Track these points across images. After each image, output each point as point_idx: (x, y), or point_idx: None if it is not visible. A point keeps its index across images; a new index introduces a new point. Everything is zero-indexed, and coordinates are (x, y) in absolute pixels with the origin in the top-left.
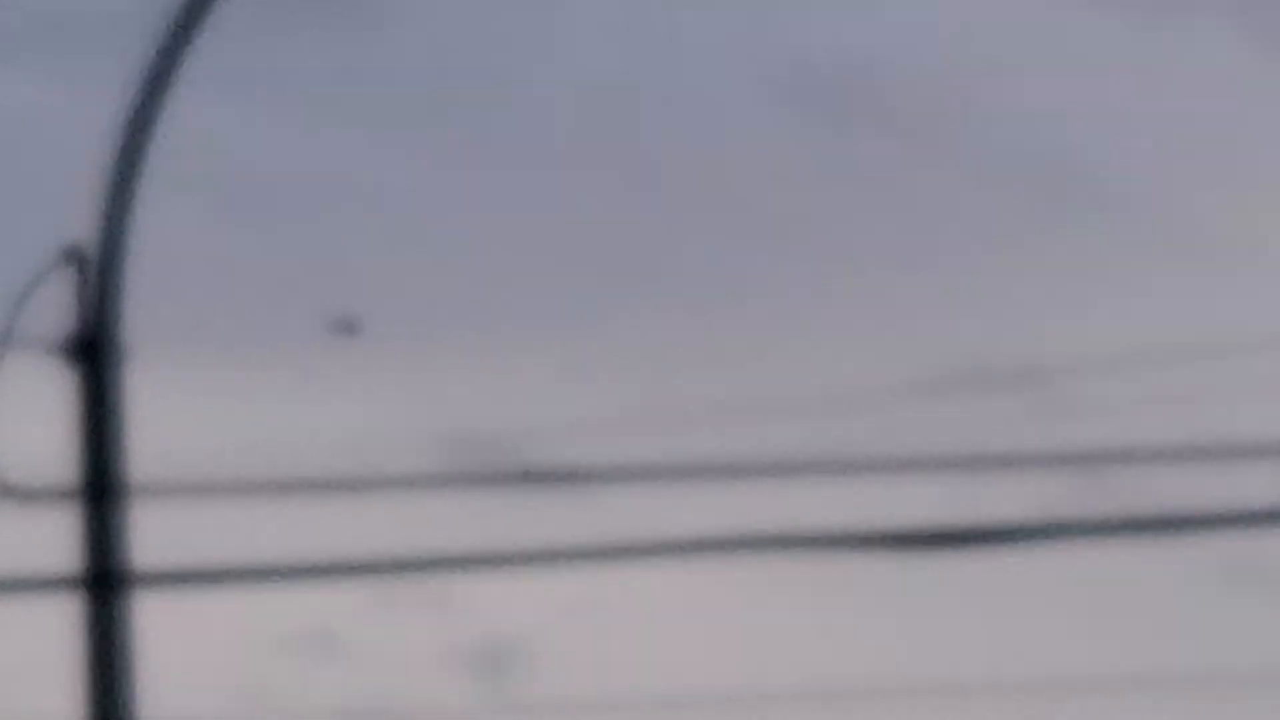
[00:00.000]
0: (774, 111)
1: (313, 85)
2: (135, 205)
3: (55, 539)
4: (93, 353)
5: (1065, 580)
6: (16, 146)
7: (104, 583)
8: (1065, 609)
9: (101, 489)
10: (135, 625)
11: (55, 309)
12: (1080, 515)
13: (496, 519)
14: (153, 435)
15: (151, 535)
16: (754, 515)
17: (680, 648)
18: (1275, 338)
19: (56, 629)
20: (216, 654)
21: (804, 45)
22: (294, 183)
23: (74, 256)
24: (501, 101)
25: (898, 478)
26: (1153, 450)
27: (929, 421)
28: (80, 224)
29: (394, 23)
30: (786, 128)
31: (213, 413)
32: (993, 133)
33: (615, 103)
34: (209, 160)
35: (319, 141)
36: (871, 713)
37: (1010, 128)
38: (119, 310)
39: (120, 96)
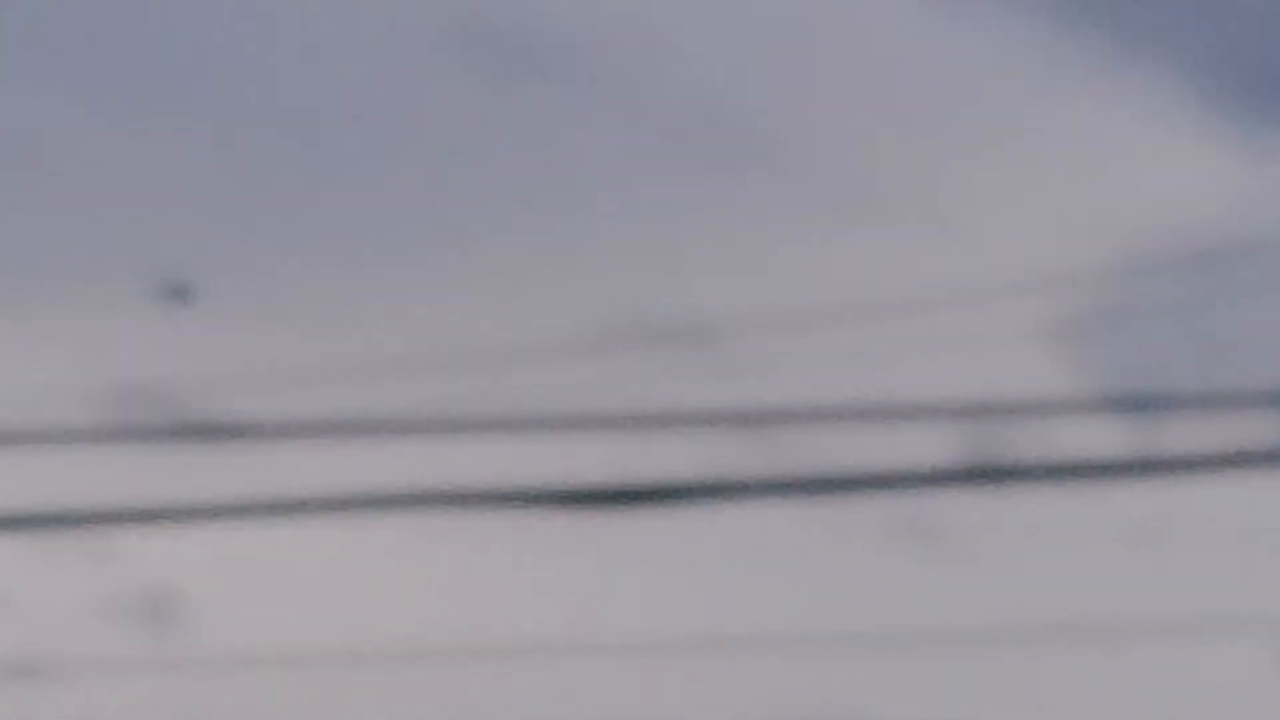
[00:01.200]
0: (440, 64)
1: None
2: None
3: None
4: None
5: (730, 541)
6: None
7: None
8: (730, 568)
9: None
10: None
11: None
12: (746, 474)
13: (158, 473)
14: None
15: None
16: (417, 472)
17: (340, 604)
18: (944, 296)
19: None
20: None
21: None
22: None
23: None
24: (170, 53)
25: (562, 435)
26: (819, 409)
27: (594, 378)
28: None
29: None
30: (452, 80)
31: None
32: (669, 90)
33: (279, 53)
34: None
35: None
36: (528, 669)
37: (687, 85)
38: None
39: None
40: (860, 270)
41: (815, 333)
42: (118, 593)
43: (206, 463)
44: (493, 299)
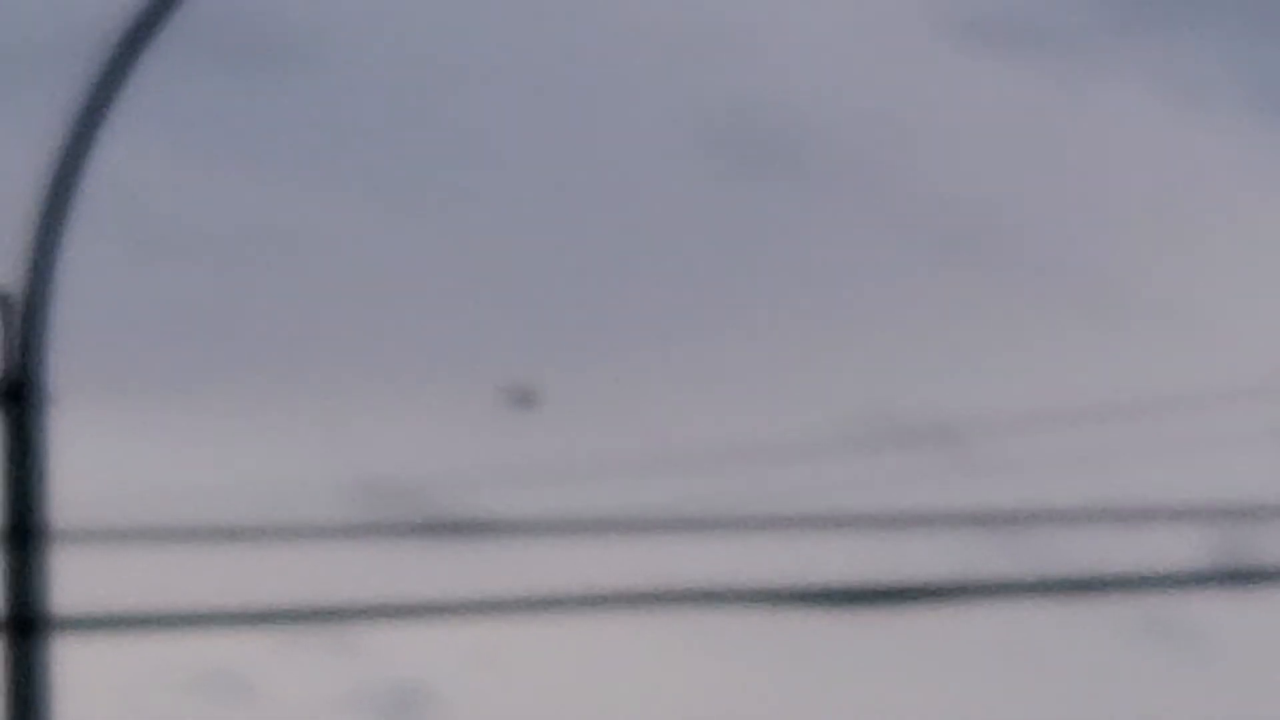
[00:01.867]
0: (688, 159)
1: (235, 132)
2: (61, 249)
3: None
4: (18, 396)
5: (980, 639)
6: None
7: (26, 627)
8: (981, 668)
9: (25, 533)
10: (55, 669)
11: None
12: (994, 574)
13: (405, 568)
14: (74, 479)
15: (73, 580)
16: (667, 570)
17: (589, 701)
18: (1186, 399)
19: None
20: (134, 696)
21: (715, 92)
22: (216, 229)
23: None
24: (422, 143)
25: (813, 534)
26: (1068, 510)
27: (843, 477)
28: (6, 267)
29: (313, 67)
30: (700, 176)
31: (133, 457)
32: (911, 186)
33: (538, 144)
34: (133, 206)
35: (241, 188)
36: None
37: (928, 181)
38: (44, 354)
39: (47, 140)
40: (1108, 370)
41: (1063, 432)
42: (366, 686)
43: (457, 559)
44: (743, 397)
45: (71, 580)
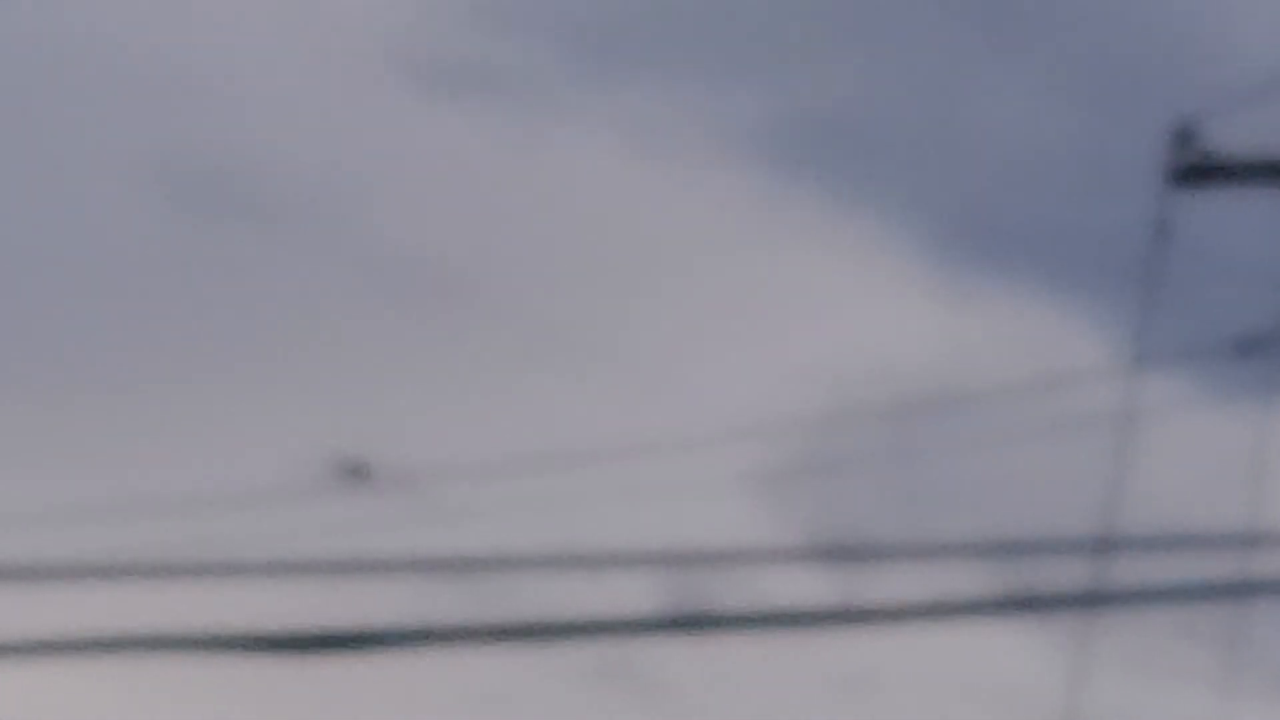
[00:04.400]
0: (143, 204)
1: None
2: None
3: None
4: None
5: (439, 684)
6: None
7: None
8: (441, 713)
9: None
10: None
11: None
12: (452, 619)
13: None
14: None
15: None
16: (121, 615)
17: None
18: (644, 445)
19: None
20: None
21: (178, 140)
22: None
23: None
24: None
25: (266, 580)
26: (523, 556)
27: (303, 523)
28: None
29: None
30: (164, 225)
31: None
32: (372, 234)
33: None
34: None
35: None
36: None
37: (389, 229)
38: None
39: None
40: (566, 416)
41: (520, 478)
42: None
43: None
44: (201, 443)
45: None
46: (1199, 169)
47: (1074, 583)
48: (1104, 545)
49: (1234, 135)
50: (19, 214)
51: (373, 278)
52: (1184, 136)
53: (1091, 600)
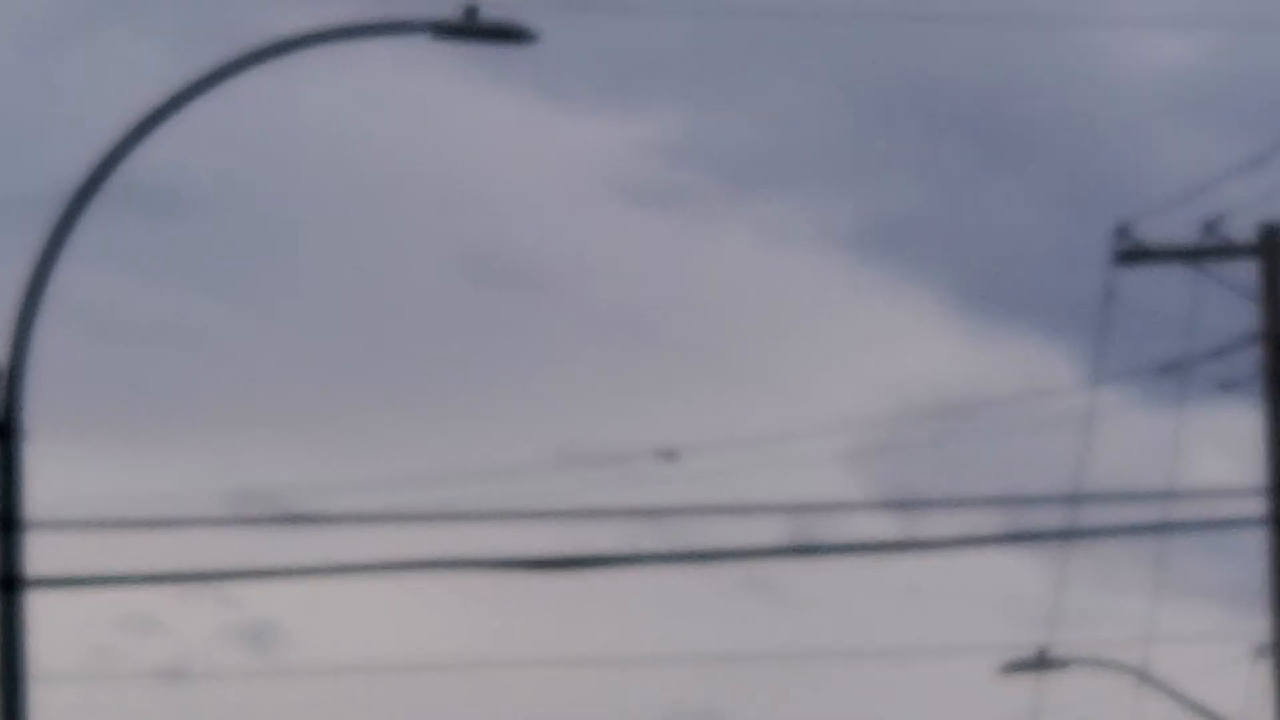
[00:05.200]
0: (448, 280)
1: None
2: (34, 334)
3: None
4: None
5: (638, 595)
6: None
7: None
8: (638, 613)
9: (11, 520)
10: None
11: None
12: (648, 548)
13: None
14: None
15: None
16: (425, 547)
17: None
18: (774, 432)
19: None
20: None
21: (467, 237)
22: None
23: None
24: None
25: (527, 522)
26: (696, 506)
27: (549, 484)
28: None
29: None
30: (458, 292)
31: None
32: (593, 297)
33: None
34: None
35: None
36: None
37: (605, 294)
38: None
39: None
40: (727, 416)
41: (703, 455)
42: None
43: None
44: (489, 432)
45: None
46: (1134, 253)
47: (1055, 523)
48: (1075, 499)
49: (1160, 229)
50: (373, 297)
51: (592, 325)
52: (1124, 230)
53: (1068, 535)
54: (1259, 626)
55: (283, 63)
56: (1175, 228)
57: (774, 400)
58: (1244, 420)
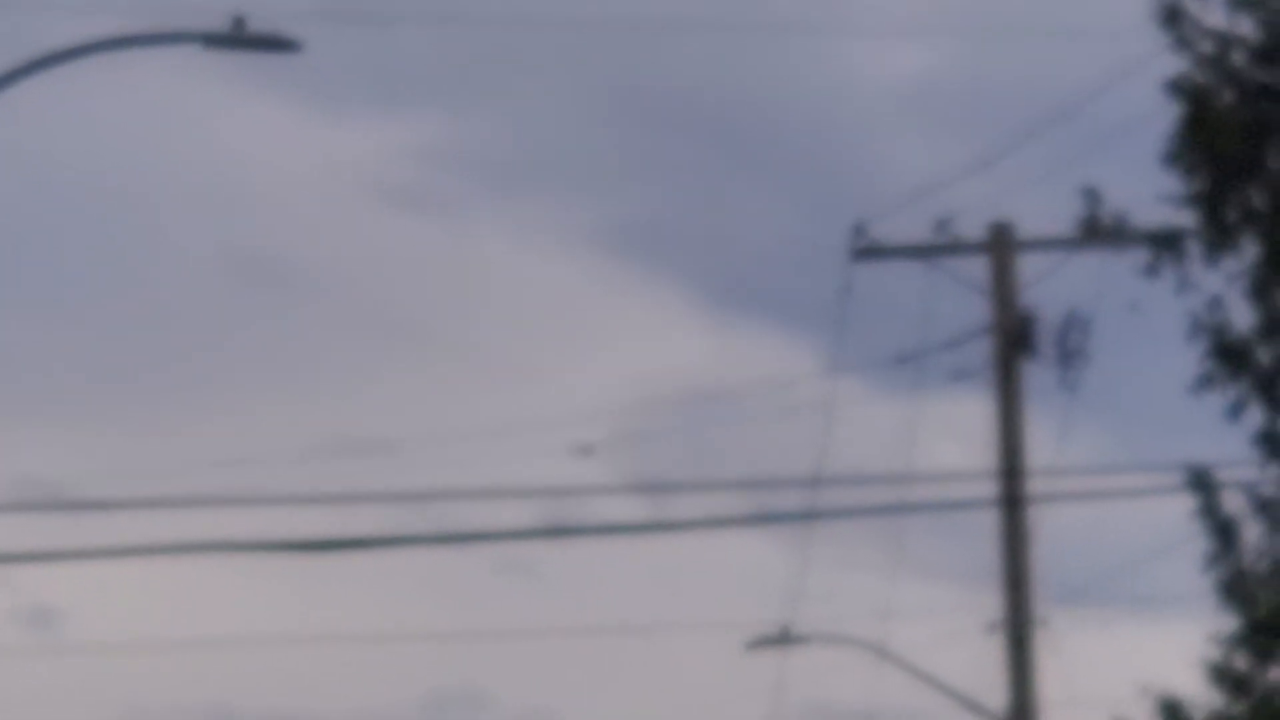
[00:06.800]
0: (210, 280)
1: None
2: None
3: None
4: None
5: (398, 575)
6: None
7: None
8: (398, 593)
9: None
10: None
11: None
12: (407, 530)
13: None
14: None
15: None
16: (192, 531)
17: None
18: (520, 420)
19: None
20: None
21: (230, 236)
22: None
23: None
24: None
25: (286, 507)
26: (453, 491)
27: (313, 472)
28: None
29: None
30: (220, 292)
31: None
32: (354, 294)
33: None
34: None
35: None
36: None
37: (367, 291)
38: None
39: None
40: (472, 403)
41: (457, 442)
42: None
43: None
44: (243, 421)
45: None
46: (870, 250)
47: (797, 506)
48: (815, 483)
49: (895, 228)
50: (142, 297)
51: (356, 322)
52: (860, 229)
53: (808, 517)
54: (991, 603)
55: (55, 73)
56: (909, 226)
57: (529, 391)
58: (975, 408)
